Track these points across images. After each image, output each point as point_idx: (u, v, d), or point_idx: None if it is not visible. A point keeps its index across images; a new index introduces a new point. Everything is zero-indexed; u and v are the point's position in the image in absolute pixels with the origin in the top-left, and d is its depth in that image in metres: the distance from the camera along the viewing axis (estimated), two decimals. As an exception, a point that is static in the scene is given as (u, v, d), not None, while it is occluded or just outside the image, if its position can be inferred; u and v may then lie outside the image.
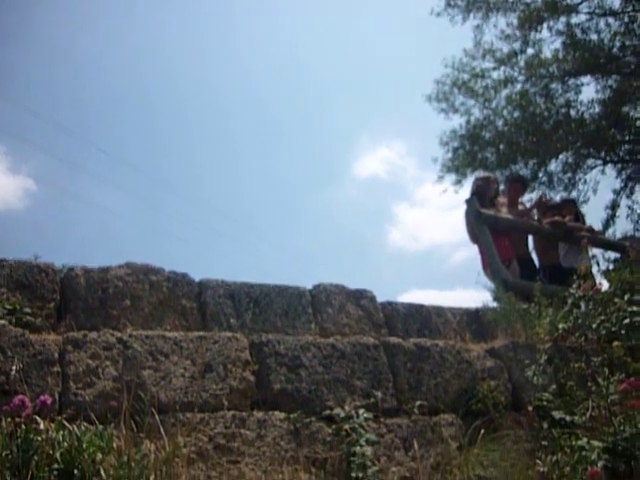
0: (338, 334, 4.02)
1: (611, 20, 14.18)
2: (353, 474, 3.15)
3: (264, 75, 34.01)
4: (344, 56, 33.55)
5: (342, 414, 3.41)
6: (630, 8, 13.91)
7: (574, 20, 14.29)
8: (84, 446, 2.58)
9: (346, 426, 3.35)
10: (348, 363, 3.73)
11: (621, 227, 14.93)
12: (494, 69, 15.03)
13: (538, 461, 3.54)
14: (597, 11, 14.28)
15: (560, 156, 14.85)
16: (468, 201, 6.31)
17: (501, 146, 14.73)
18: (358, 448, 3.23)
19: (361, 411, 3.44)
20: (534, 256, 7.09)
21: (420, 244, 32.67)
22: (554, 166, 15.13)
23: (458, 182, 15.08)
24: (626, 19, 13.96)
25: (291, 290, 4.24)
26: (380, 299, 4.69)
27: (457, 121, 15.37)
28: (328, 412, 3.45)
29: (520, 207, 7.05)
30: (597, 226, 10.09)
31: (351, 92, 35.23)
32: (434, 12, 15.04)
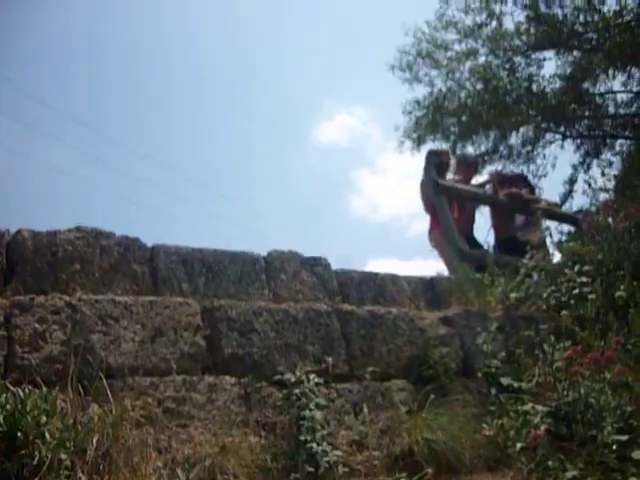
0: (292, 300, 4.01)
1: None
2: (302, 437, 3.19)
3: (225, 38, 33.38)
4: (305, 18, 32.98)
5: (293, 379, 3.43)
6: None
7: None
8: (28, 409, 2.55)
9: (296, 390, 3.37)
10: (300, 329, 3.74)
11: (578, 202, 15.18)
12: (458, 41, 15.00)
13: (485, 425, 3.63)
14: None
15: (520, 129, 14.98)
16: (425, 170, 6.33)
17: (463, 117, 14.77)
18: (307, 412, 3.26)
19: (312, 376, 3.46)
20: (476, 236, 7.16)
21: (380, 214, 32.68)
22: (514, 139, 15.28)
23: (417, 148, 15.09)
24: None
25: (245, 256, 4.21)
26: (339, 267, 4.70)
27: (420, 91, 15.37)
28: (279, 377, 3.47)
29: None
30: (555, 200, 10.21)
31: (313, 57, 34.79)
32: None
